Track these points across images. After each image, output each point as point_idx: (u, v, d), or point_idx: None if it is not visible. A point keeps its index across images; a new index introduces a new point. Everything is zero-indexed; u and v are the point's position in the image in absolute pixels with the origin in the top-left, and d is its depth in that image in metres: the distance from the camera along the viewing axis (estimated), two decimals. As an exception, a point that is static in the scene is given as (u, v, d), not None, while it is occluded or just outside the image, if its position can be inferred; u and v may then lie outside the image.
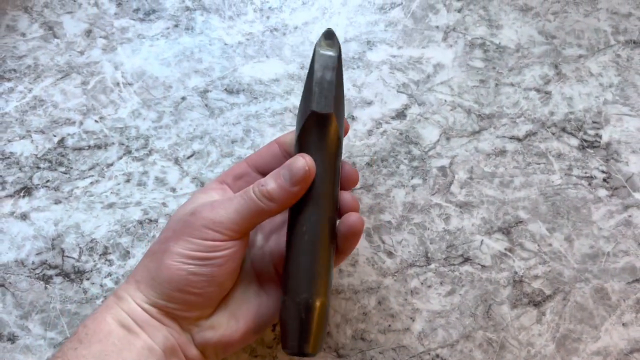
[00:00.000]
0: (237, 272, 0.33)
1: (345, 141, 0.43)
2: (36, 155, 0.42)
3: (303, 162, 0.31)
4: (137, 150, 0.43)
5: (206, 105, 0.44)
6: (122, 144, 0.43)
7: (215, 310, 0.33)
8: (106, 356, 0.29)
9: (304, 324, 0.30)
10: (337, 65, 0.33)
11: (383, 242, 0.41)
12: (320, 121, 0.32)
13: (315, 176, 0.32)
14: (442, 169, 0.42)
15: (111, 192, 0.42)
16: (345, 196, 0.34)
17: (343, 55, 0.44)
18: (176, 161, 0.42)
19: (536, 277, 0.40)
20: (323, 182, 0.32)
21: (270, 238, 0.37)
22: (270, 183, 0.31)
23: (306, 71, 0.44)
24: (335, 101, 0.32)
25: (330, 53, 0.33)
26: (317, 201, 0.32)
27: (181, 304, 0.31)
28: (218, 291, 0.32)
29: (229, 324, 0.32)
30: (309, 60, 0.44)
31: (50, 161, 0.42)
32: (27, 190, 0.42)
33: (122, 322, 0.31)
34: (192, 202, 0.34)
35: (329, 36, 0.34)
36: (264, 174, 0.35)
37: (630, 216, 0.41)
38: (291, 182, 0.31)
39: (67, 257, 0.40)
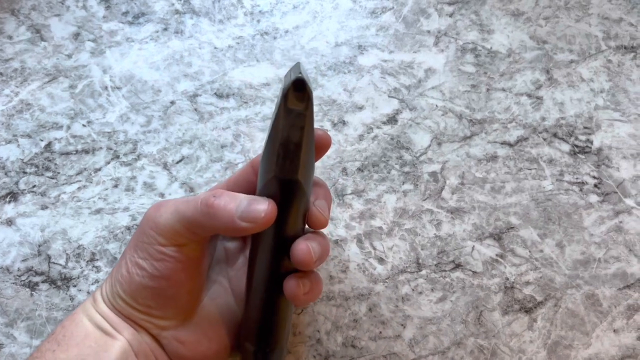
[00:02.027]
0: (192, 285, 0.32)
1: (336, 146, 0.43)
2: (22, 159, 0.42)
3: (264, 208, 0.28)
4: (125, 155, 0.42)
5: (195, 109, 0.43)
6: (110, 149, 0.42)
7: (185, 324, 0.32)
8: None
9: None
10: (307, 124, 0.28)
11: (374, 248, 0.41)
12: (283, 187, 0.28)
13: (278, 234, 0.30)
14: (433, 174, 0.42)
15: (99, 198, 0.41)
16: (299, 247, 0.29)
17: (334, 59, 0.44)
18: (165, 166, 0.42)
19: (527, 283, 0.40)
20: (283, 242, 0.30)
21: None
22: (223, 199, 0.28)
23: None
24: (302, 165, 0.28)
25: (299, 109, 0.27)
26: (276, 257, 0.30)
27: (141, 313, 0.31)
28: (173, 303, 0.31)
29: (200, 342, 0.32)
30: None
31: (36, 166, 0.42)
32: (13, 196, 0.41)
33: (98, 324, 0.31)
34: None
35: (300, 87, 0.27)
36: None
37: (621, 222, 0.41)
38: (241, 215, 0.28)
39: (54, 263, 0.40)
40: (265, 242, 0.30)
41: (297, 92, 0.27)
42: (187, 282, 0.31)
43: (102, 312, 0.31)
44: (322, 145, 0.32)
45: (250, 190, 0.33)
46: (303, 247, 0.29)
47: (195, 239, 0.30)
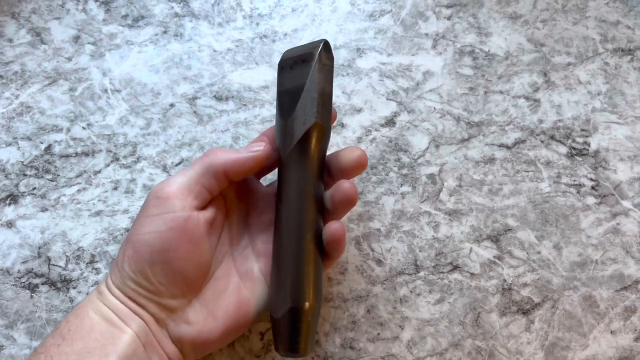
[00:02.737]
0: (199, 259, 0.33)
1: (334, 148, 0.43)
2: (22, 162, 0.42)
3: (260, 144, 0.33)
4: (125, 157, 0.42)
5: (195, 112, 0.43)
6: (110, 151, 0.42)
7: (191, 305, 0.33)
8: (88, 353, 0.29)
9: (294, 328, 0.31)
10: (332, 77, 0.35)
11: (372, 250, 0.41)
12: (319, 132, 0.33)
13: (303, 181, 0.33)
14: (431, 176, 0.42)
15: (98, 200, 0.41)
16: (344, 184, 0.33)
17: (332, 63, 0.44)
18: (164, 168, 0.42)
19: (525, 285, 0.40)
20: (310, 187, 0.33)
21: (257, 238, 0.36)
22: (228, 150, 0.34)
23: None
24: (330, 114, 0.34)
25: (330, 65, 0.34)
26: (303, 206, 0.32)
27: (151, 293, 0.31)
28: (182, 279, 0.32)
29: (206, 321, 0.32)
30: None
31: (36, 168, 0.42)
32: (13, 198, 0.41)
33: (105, 315, 0.31)
34: None
35: (328, 48, 0.34)
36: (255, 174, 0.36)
37: (618, 224, 0.41)
38: (246, 149, 0.33)
39: (54, 265, 0.40)
40: (298, 189, 0.33)
41: (327, 52, 0.34)
42: (194, 255, 0.32)
43: (109, 303, 0.31)
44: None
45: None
46: (348, 184, 0.33)
47: (204, 195, 0.32)
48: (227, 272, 0.35)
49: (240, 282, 0.34)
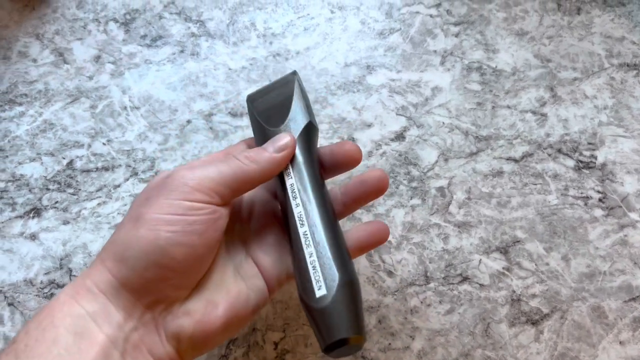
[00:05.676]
0: (216, 248, 0.31)
1: (345, 162, 0.44)
2: (46, 177, 0.44)
3: (286, 134, 0.33)
4: (143, 172, 0.44)
5: (211, 128, 0.45)
6: (129, 166, 0.44)
7: (191, 295, 0.30)
8: None
9: (351, 305, 0.28)
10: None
11: (383, 262, 0.42)
12: (311, 130, 0.34)
13: (305, 174, 0.33)
14: (440, 189, 0.43)
15: (118, 213, 0.43)
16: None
17: (344, 79, 0.46)
18: (181, 182, 0.43)
19: (534, 295, 0.41)
20: (310, 178, 0.33)
21: (249, 228, 0.35)
22: (254, 151, 0.32)
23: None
24: None
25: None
26: (307, 194, 0.32)
27: (156, 282, 0.28)
28: (196, 267, 0.29)
29: (206, 309, 0.30)
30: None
31: (59, 183, 0.43)
32: (36, 211, 0.43)
33: (73, 323, 0.26)
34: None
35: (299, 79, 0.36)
36: None
37: (626, 235, 0.42)
38: (274, 148, 0.32)
39: (75, 276, 0.41)
40: (312, 181, 0.33)
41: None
42: (215, 242, 0.30)
43: (86, 300, 0.27)
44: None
45: None
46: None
47: (231, 195, 0.31)
48: (223, 261, 0.33)
49: (235, 272, 0.33)
